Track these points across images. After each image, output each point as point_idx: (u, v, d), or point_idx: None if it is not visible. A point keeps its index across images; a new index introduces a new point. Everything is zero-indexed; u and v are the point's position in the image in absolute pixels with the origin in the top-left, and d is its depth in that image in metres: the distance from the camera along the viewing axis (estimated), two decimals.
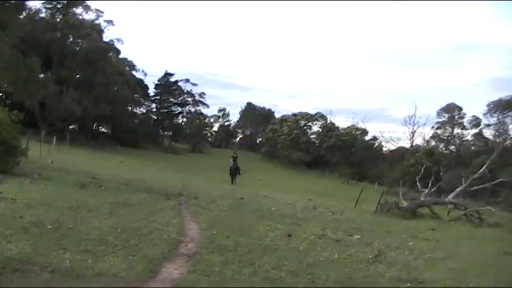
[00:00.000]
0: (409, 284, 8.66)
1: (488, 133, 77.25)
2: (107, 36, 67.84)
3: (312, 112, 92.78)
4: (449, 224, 21.82)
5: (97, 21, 65.60)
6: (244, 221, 14.29)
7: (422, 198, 26.67)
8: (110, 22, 67.15)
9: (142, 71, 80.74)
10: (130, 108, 78.03)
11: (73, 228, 9.53)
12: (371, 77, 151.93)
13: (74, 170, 22.98)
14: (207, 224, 12.52)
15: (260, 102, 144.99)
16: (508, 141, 65.61)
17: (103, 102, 59.92)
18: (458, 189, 28.44)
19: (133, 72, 77.62)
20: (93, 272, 6.91)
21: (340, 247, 11.80)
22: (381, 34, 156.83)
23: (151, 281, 7.03)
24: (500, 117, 71.77)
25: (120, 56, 72.89)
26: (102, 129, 77.75)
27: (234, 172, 35.85)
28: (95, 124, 73.25)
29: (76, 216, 10.83)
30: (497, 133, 73.89)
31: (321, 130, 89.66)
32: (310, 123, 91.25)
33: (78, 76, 64.52)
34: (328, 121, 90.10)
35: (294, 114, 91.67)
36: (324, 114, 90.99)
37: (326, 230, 14.13)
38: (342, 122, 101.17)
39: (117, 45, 70.26)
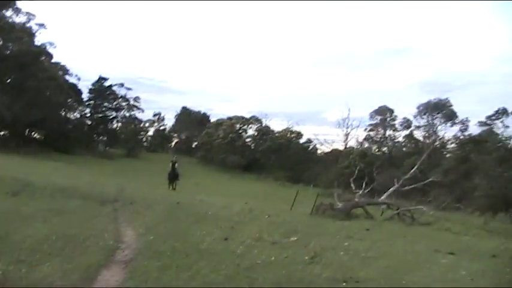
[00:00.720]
0: (344, 284, 8.85)
1: (418, 134, 79.71)
2: (38, 40, 66.39)
3: (247, 116, 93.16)
4: (383, 224, 22.28)
5: (28, 25, 64.10)
6: (180, 225, 14.25)
7: (356, 199, 27.13)
8: (41, 25, 65.77)
9: (76, 76, 78.61)
10: (63, 113, 76.24)
11: (5, 238, 9.29)
12: (305, 80, 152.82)
13: (5, 178, 22.29)
14: (143, 230, 12.43)
15: (195, 106, 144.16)
16: (437, 142, 67.94)
17: (35, 108, 58.16)
18: (390, 189, 29.10)
19: (67, 77, 75.67)
20: (28, 282, 6.78)
21: (277, 249, 11.91)
22: (314, 37, 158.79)
23: None
24: (430, 119, 74.34)
25: (53, 60, 71.13)
26: (35, 135, 75.51)
27: (173, 177, 35.42)
28: (27, 130, 71.28)
29: (9, 225, 10.55)
30: (427, 134, 76.51)
31: (256, 133, 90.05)
32: (245, 127, 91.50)
33: (8, 81, 62.45)
34: (264, 124, 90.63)
35: (229, 118, 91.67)
36: (259, 118, 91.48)
37: (262, 232, 14.22)
38: (277, 125, 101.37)
39: (50, 49, 68.75)
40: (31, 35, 63.85)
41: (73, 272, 7.54)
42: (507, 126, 65.32)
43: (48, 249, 8.82)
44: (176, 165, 35.91)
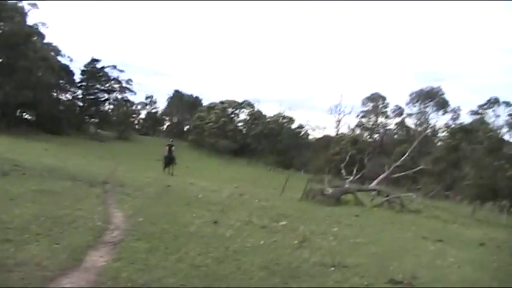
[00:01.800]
0: (333, 269, 8.86)
1: (410, 122, 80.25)
2: (30, 20, 65.71)
3: (240, 100, 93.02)
4: (372, 210, 22.36)
5: (20, 4, 63.25)
6: (170, 208, 14.22)
7: (346, 185, 27.23)
8: (33, 5, 65.01)
9: (68, 57, 78.04)
10: (55, 94, 75.78)
11: None
12: (298, 67, 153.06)
13: None
14: (132, 212, 12.40)
15: (188, 89, 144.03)
16: (428, 130, 68.35)
17: (26, 88, 57.78)
18: (381, 176, 29.23)
19: (59, 58, 75.01)
20: (15, 262, 6.75)
21: (266, 233, 11.92)
22: (306, 23, 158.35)
23: (75, 269, 6.93)
24: (422, 106, 74.81)
25: (45, 41, 70.41)
26: (26, 116, 74.98)
27: (169, 161, 34.87)
28: (18, 111, 70.82)
29: None
30: (418, 122, 76.97)
31: (248, 118, 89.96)
32: (237, 111, 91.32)
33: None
34: (256, 109, 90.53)
35: (222, 102, 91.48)
36: (252, 102, 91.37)
37: (252, 216, 14.22)
38: (269, 111, 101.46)
39: (42, 29, 68.10)
40: (23, 14, 63.16)
41: (61, 252, 7.51)
42: (498, 116, 65.90)
43: (36, 229, 8.77)
44: (173, 148, 35.56)
